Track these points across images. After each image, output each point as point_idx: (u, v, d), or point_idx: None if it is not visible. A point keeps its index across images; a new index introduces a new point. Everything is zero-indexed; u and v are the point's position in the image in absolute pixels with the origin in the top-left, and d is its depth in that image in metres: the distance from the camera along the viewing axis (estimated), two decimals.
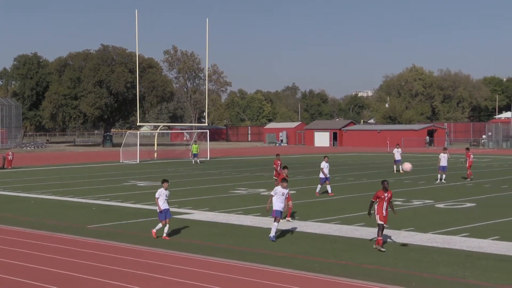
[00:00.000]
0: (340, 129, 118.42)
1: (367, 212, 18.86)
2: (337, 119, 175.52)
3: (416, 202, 29.12)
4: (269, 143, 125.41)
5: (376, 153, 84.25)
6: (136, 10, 65.26)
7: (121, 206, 28.80)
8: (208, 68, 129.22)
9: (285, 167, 25.70)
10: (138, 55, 72.88)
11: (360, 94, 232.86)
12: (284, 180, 20.66)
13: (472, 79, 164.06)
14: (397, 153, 46.99)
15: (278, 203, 20.00)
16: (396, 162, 47.07)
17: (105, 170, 52.78)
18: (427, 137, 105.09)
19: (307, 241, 19.79)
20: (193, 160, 60.89)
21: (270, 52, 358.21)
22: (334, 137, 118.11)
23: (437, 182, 38.59)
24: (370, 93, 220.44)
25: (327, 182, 32.41)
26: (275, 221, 19.89)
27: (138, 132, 72.99)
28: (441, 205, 28.04)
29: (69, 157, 77.57)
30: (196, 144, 62.63)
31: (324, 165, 32.40)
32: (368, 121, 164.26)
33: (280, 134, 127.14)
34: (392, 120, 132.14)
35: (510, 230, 21.36)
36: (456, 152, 70.90)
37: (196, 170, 52.05)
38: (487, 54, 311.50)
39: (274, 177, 34.54)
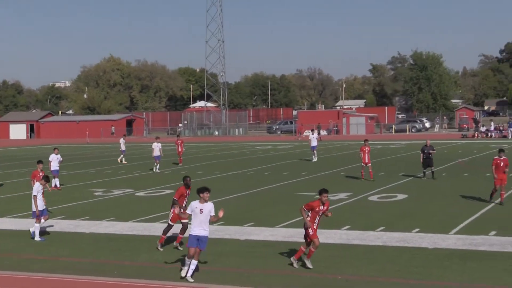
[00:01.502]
0: (37, 121, 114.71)
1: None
2: (34, 111, 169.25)
3: (117, 192, 29.28)
4: None
5: (76, 144, 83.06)
6: None
7: None
8: None
9: (39, 161, 24.11)
10: None
11: (57, 85, 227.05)
12: (45, 178, 19.80)
13: (168, 70, 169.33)
14: (122, 144, 47.08)
15: (42, 203, 18.97)
16: (122, 152, 47.11)
17: None
18: (113, 127, 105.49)
19: (6, 237, 18.87)
20: None
21: None
22: (31, 129, 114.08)
23: (154, 171, 38.73)
24: (68, 84, 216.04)
25: (56, 175, 31.19)
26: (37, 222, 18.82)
27: None
28: (142, 193, 28.53)
29: None
30: None
31: (53, 157, 31.18)
32: (67, 112, 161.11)
33: None
34: (91, 110, 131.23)
35: None
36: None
37: None
38: (181, 46, 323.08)
39: None
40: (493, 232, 17.81)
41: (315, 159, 44.11)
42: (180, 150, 43.60)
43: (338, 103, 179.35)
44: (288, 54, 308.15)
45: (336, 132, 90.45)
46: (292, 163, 43.14)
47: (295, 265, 14.64)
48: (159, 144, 39.38)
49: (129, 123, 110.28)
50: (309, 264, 14.47)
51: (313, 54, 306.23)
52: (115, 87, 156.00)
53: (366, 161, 31.59)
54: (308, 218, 14.55)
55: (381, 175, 33.66)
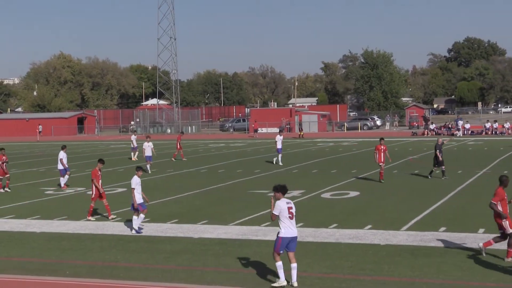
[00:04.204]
0: None
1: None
2: None
3: (68, 190, 28.93)
4: None
5: (26, 142, 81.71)
6: None
7: None
8: None
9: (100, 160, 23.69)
10: None
11: (6, 82, 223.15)
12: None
13: (120, 67, 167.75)
14: (134, 141, 46.25)
15: (140, 196, 19.10)
16: (133, 149, 46.31)
17: None
18: (40, 126, 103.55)
19: None
20: None
21: None
22: None
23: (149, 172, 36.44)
24: (17, 81, 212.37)
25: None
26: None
27: None
28: None
29: None
30: None
31: (63, 155, 30.42)
32: (16, 110, 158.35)
33: None
34: (41, 108, 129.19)
35: (158, 211, 22.29)
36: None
37: None
38: (133, 43, 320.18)
39: None
40: (443, 228, 18.14)
41: (280, 163, 39.03)
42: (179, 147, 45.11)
43: (290, 101, 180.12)
44: (240, 52, 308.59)
45: (289, 130, 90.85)
46: (245, 161, 43.19)
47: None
48: (151, 144, 37.28)
49: (80, 121, 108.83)
50: None
51: (265, 52, 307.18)
52: (65, 85, 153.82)
53: (382, 160, 30.07)
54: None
55: (334, 172, 33.96)
